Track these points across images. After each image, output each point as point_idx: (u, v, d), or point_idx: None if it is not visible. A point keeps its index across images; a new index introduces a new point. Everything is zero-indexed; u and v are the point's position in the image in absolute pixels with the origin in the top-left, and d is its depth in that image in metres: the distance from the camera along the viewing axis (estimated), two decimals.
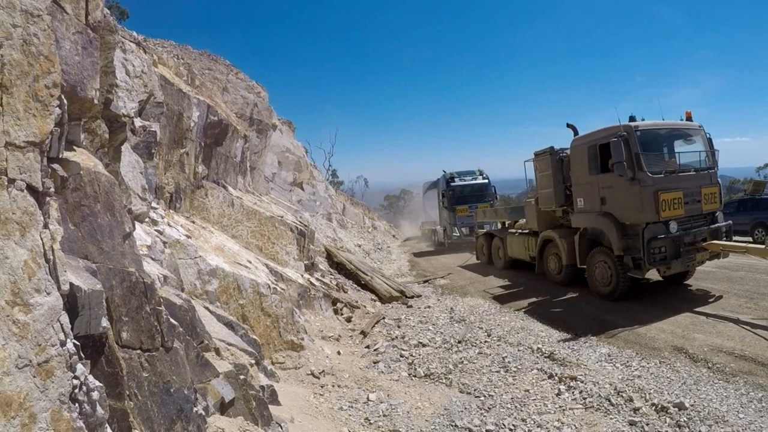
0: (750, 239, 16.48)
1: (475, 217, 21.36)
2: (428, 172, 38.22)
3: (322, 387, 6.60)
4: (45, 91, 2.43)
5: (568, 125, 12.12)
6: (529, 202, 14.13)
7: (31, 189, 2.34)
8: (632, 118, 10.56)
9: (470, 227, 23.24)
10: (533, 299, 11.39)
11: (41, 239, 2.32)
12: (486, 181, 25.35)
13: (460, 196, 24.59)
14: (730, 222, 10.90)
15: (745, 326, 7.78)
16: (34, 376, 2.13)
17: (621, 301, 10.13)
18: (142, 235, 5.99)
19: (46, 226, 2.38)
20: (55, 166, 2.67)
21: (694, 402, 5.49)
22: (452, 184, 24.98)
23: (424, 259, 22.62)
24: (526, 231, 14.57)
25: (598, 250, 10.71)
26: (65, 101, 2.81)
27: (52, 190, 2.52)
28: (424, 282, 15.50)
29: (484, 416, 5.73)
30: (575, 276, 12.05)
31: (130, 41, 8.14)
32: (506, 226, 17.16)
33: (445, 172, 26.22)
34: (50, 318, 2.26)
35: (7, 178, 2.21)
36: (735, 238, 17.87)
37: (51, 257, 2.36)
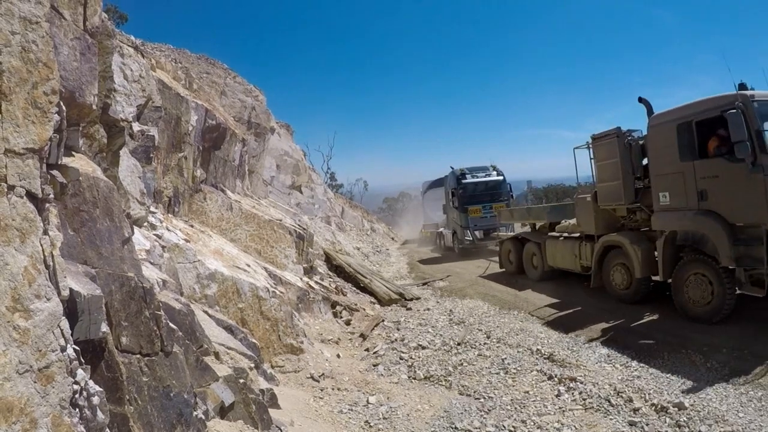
0: None
1: (498, 219, 18.99)
2: (427, 175, 36.29)
3: (321, 390, 6.60)
4: (44, 97, 2.44)
5: (640, 99, 9.88)
6: (583, 198, 11.33)
7: (31, 195, 2.35)
8: (743, 86, 8.07)
9: (485, 230, 20.83)
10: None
11: (41, 245, 2.33)
12: (501, 177, 22.39)
13: (473, 194, 21.69)
14: None
15: None
16: (35, 382, 2.14)
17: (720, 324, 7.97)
18: (140, 239, 5.99)
19: (45, 232, 2.40)
20: (55, 172, 2.69)
21: (694, 402, 5.50)
22: (463, 181, 21.91)
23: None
24: (576, 235, 11.85)
25: (692, 260, 8.35)
26: (64, 107, 2.83)
27: (52, 196, 2.54)
28: (423, 284, 15.49)
29: (484, 418, 5.74)
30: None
31: (128, 45, 8.14)
32: (539, 228, 14.29)
33: (452, 168, 23.27)
34: (50, 324, 2.27)
35: (6, 184, 2.22)
36: None
37: (51, 263, 2.37)
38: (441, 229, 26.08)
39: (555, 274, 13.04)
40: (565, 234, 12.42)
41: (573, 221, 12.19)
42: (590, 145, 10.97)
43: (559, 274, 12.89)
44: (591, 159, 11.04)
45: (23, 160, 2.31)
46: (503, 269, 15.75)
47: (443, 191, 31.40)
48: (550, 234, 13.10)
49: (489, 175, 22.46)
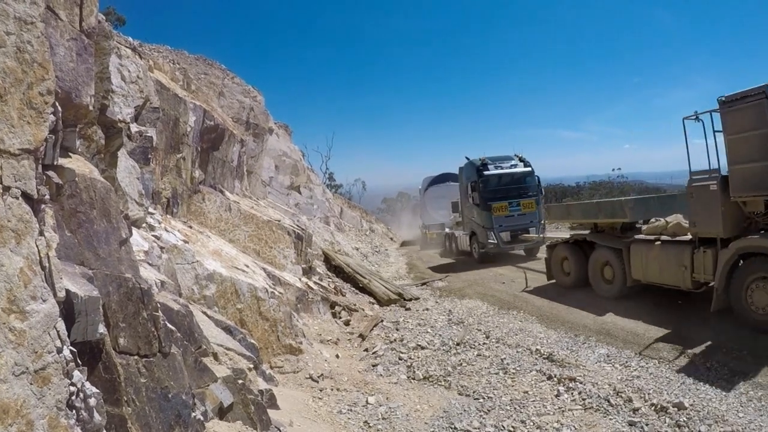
0: None
1: (543, 216, 17.02)
2: (426, 174, 33.71)
3: (320, 390, 6.60)
4: (39, 98, 2.43)
5: None
6: (703, 187, 8.18)
7: (26, 196, 2.34)
8: None
9: (513, 231, 17.69)
10: None
11: (37, 246, 2.32)
12: (529, 168, 18.89)
13: (497, 189, 18.14)
14: None
15: None
16: (31, 383, 2.13)
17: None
18: (139, 240, 5.98)
19: (41, 233, 2.38)
20: (50, 173, 2.68)
21: (694, 401, 5.50)
22: (485, 173, 18.20)
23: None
24: (685, 238, 8.85)
25: None
26: (60, 108, 2.81)
27: (48, 197, 2.52)
28: (422, 284, 15.48)
29: (484, 418, 5.73)
30: None
31: (126, 47, 8.13)
32: (604, 229, 11.21)
33: (468, 158, 19.72)
34: (46, 325, 2.26)
35: (1, 185, 2.21)
36: None
37: (47, 264, 2.36)
38: (450, 230, 23.18)
39: (637, 289, 10.02)
40: (664, 237, 9.24)
41: (672, 219, 9.29)
42: (718, 112, 7.91)
43: (641, 289, 9.93)
44: (713, 133, 8.13)
45: (18, 160, 2.30)
46: (551, 281, 12.55)
47: (446, 188, 29.45)
48: (636, 237, 9.86)
49: (515, 166, 18.89)
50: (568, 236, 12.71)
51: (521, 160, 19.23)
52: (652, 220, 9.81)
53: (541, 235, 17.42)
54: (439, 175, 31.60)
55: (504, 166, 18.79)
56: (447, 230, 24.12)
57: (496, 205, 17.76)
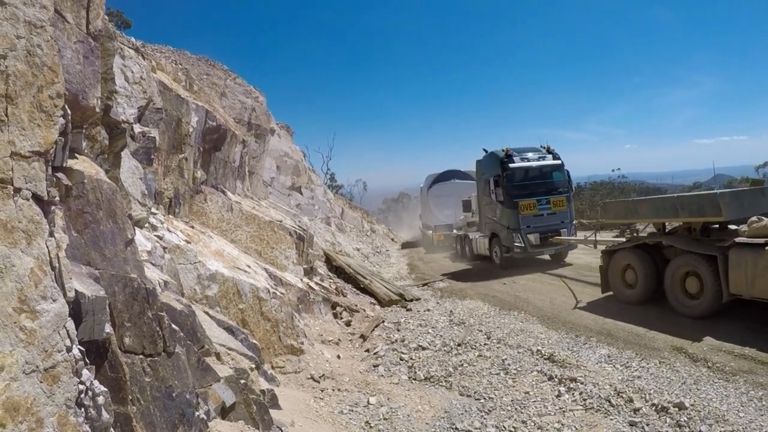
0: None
1: (574, 215, 15.62)
2: (428, 172, 31.83)
3: (322, 391, 6.62)
4: (49, 101, 2.47)
5: None
6: None
7: (37, 198, 2.38)
8: None
9: (543, 233, 15.53)
10: None
11: (47, 247, 2.36)
12: (559, 161, 16.70)
13: (524, 184, 15.98)
14: None
15: None
16: (41, 382, 2.17)
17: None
18: (142, 240, 6.02)
19: (51, 234, 2.42)
20: (60, 175, 2.72)
21: (694, 401, 5.52)
22: (511, 165, 15.99)
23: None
24: None
25: None
26: (69, 111, 2.85)
27: (57, 198, 2.56)
28: (423, 285, 15.49)
29: (485, 419, 5.76)
30: None
31: (129, 47, 8.16)
32: (677, 231, 9.47)
33: (486, 150, 17.63)
34: (56, 324, 2.30)
35: (13, 187, 2.25)
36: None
37: (56, 265, 2.40)
38: (462, 232, 21.06)
39: (729, 305, 8.25)
40: None
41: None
42: None
43: (735, 304, 8.22)
44: None
45: (29, 163, 2.34)
46: (605, 293, 10.56)
47: (451, 186, 27.88)
48: (737, 241, 7.87)
49: (543, 158, 16.67)
50: (625, 239, 10.44)
51: (549, 151, 16.94)
52: (753, 218, 7.93)
53: (576, 238, 15.59)
54: (443, 173, 29.90)
55: (531, 158, 16.54)
56: (458, 232, 22.00)
57: (524, 203, 15.63)
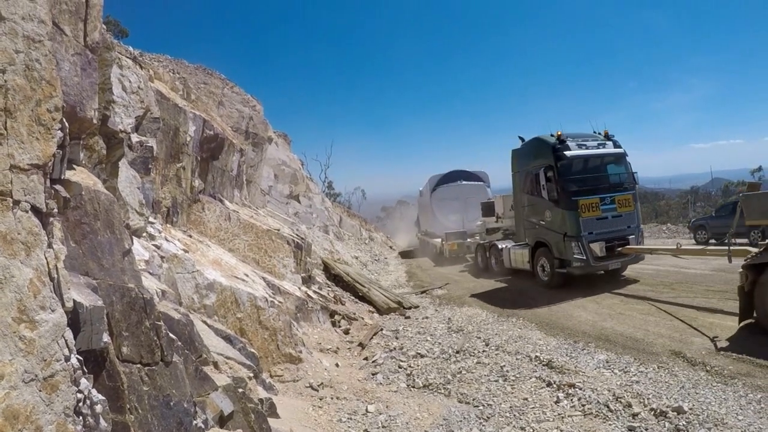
0: (746, 241, 16.60)
1: (641, 218, 13.09)
2: (427, 175, 28.92)
3: (320, 399, 6.62)
4: (47, 114, 2.51)
5: None
6: None
7: (35, 210, 2.41)
8: None
9: (610, 242, 12.26)
10: None
11: (45, 258, 2.39)
12: (622, 150, 13.48)
13: (584, 177, 12.73)
14: None
15: None
16: (40, 390, 2.20)
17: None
18: (139, 249, 6.04)
19: (50, 245, 2.45)
20: (58, 187, 2.75)
21: (693, 405, 5.54)
22: (568, 153, 12.56)
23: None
24: None
25: None
26: (67, 124, 2.89)
27: (56, 210, 2.60)
28: (422, 293, 15.50)
29: (483, 426, 5.76)
30: None
31: (126, 57, 8.22)
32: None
33: (522, 138, 14.71)
34: (55, 334, 2.32)
35: (12, 199, 2.28)
36: (738, 241, 17.95)
37: (55, 275, 2.43)
38: (484, 240, 18.33)
39: None
40: None
41: None
42: None
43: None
44: None
45: (28, 175, 2.38)
46: (744, 321, 7.85)
47: (458, 189, 25.08)
48: None
49: (603, 146, 13.30)
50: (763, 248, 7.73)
51: (608, 137, 13.60)
52: None
53: (654, 246, 13.02)
54: (448, 173, 26.77)
55: (590, 145, 13.16)
56: (479, 240, 18.91)
57: (584, 202, 12.19)
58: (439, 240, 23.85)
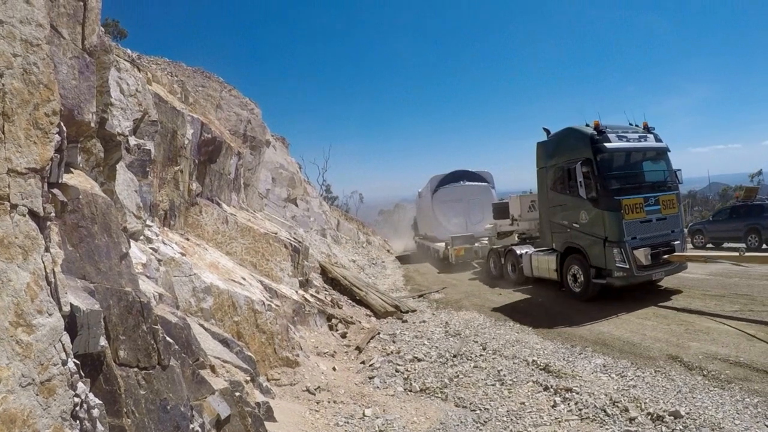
0: (744, 245, 16.66)
1: (684, 222, 12.17)
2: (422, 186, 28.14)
3: (317, 403, 6.62)
4: (45, 118, 2.51)
5: None
6: None
7: (33, 214, 2.41)
8: None
9: (655, 248, 10.86)
10: None
11: (43, 262, 2.39)
12: (664, 145, 12.04)
13: (627, 174, 11.49)
14: None
15: None
16: (37, 394, 2.19)
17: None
18: (137, 253, 6.03)
19: (47, 249, 2.45)
20: (55, 191, 2.75)
21: (690, 410, 5.54)
22: (609, 146, 11.11)
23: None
24: None
25: None
26: (64, 128, 2.89)
27: (53, 214, 2.60)
28: (419, 297, 15.48)
29: (480, 430, 5.77)
30: None
31: (125, 59, 8.22)
32: None
33: (547, 130, 13.15)
34: (52, 338, 2.32)
35: (9, 203, 2.28)
36: (727, 245, 17.94)
37: (52, 279, 2.43)
38: (497, 245, 17.01)
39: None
40: None
41: None
42: None
43: None
44: None
45: (25, 179, 2.38)
46: None
47: (461, 190, 23.66)
48: None
49: (644, 138, 11.83)
50: None
51: (648, 130, 12.10)
52: None
53: (705, 253, 11.83)
54: (450, 173, 24.85)
55: (630, 137, 11.65)
56: (492, 245, 17.32)
57: (628, 202, 10.76)
58: (442, 244, 22.42)
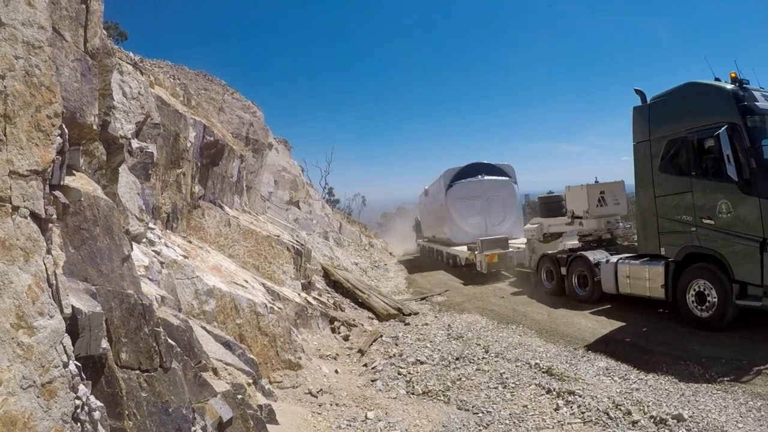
0: None
1: None
2: (428, 179, 25.44)
3: (320, 406, 6.60)
4: (47, 120, 2.51)
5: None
6: None
7: (35, 216, 2.42)
8: None
9: None
10: None
11: (44, 264, 2.39)
12: None
13: None
14: None
15: None
16: (38, 397, 2.19)
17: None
18: (139, 255, 6.03)
19: (48, 251, 2.46)
20: (57, 193, 2.75)
21: (693, 413, 5.52)
22: (761, 105, 8.00)
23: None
24: None
25: None
26: (66, 130, 2.89)
27: (55, 216, 2.60)
28: (422, 299, 15.45)
29: None
30: None
31: (127, 62, 8.24)
32: None
33: (640, 92, 10.05)
34: (53, 340, 2.32)
35: (11, 205, 2.29)
36: None
37: (54, 281, 2.43)
38: (552, 249, 13.36)
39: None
40: None
41: None
42: None
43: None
44: None
45: (27, 181, 2.38)
46: None
47: (479, 185, 20.11)
48: None
49: None
50: None
51: None
52: None
53: None
54: (466, 166, 21.14)
55: None
56: (550, 251, 13.38)
57: None
58: (461, 249, 18.92)
